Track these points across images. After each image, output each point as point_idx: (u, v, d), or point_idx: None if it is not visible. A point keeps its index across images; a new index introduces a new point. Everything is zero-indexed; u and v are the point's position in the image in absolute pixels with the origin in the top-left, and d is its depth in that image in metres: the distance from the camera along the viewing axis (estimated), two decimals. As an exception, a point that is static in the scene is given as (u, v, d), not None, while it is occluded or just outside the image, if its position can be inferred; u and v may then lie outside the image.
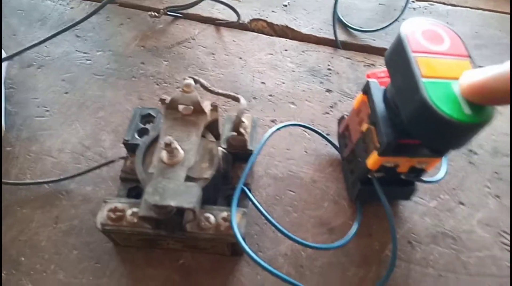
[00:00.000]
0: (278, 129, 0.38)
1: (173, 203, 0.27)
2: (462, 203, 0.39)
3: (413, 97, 0.24)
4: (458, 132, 0.24)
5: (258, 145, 0.36)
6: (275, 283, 0.33)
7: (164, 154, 0.30)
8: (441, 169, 0.36)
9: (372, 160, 0.30)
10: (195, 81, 0.33)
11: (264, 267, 0.29)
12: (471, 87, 0.22)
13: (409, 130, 0.26)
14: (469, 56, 0.26)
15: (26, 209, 0.37)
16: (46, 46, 0.50)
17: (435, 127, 0.24)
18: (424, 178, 0.34)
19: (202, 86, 0.34)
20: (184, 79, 0.33)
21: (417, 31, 0.26)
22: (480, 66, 0.25)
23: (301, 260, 0.35)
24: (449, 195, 0.40)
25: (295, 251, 0.35)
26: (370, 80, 0.31)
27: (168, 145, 0.28)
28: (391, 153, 0.29)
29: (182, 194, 0.27)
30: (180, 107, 0.32)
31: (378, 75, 0.31)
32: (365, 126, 0.32)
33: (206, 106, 0.33)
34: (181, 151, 0.30)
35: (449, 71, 0.25)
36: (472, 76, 0.23)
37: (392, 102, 0.28)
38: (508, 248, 0.37)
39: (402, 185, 0.34)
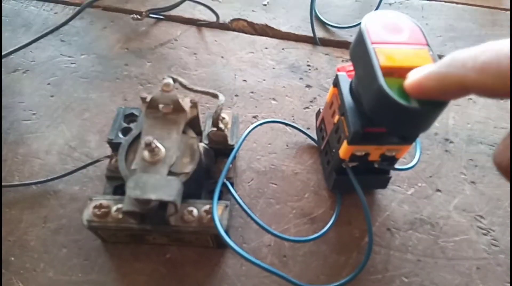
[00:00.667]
0: (257, 125, 0.39)
1: (153, 196, 0.28)
2: (439, 190, 0.41)
3: (372, 85, 0.25)
4: (414, 117, 0.25)
5: (238, 140, 0.37)
6: (259, 272, 0.35)
7: (145, 153, 0.31)
8: (415, 157, 0.37)
9: (343, 149, 0.32)
10: (174, 80, 0.34)
11: (244, 256, 0.30)
12: (410, 86, 0.24)
13: (371, 117, 0.27)
14: (428, 44, 0.28)
15: (14, 210, 0.38)
16: (31, 51, 0.50)
17: (392, 113, 0.25)
18: (398, 166, 0.35)
19: (181, 84, 0.35)
20: (163, 78, 0.34)
21: (377, 23, 0.28)
22: (439, 54, 0.26)
23: (284, 250, 0.36)
24: (426, 182, 0.41)
25: (278, 242, 0.37)
26: (339, 73, 0.33)
27: (148, 145, 0.29)
28: (360, 141, 0.30)
29: (162, 188, 0.28)
30: (160, 106, 0.33)
31: (347, 68, 0.33)
32: (336, 118, 0.33)
33: (186, 104, 0.34)
34: (162, 149, 0.31)
35: (407, 59, 0.26)
36: (412, 75, 0.24)
37: (356, 92, 0.29)
38: (484, 231, 0.38)
39: (376, 174, 0.36)
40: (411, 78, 0.24)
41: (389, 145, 0.30)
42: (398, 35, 0.27)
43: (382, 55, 0.26)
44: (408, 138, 0.30)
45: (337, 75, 0.32)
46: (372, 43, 0.26)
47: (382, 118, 0.26)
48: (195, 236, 0.33)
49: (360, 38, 0.27)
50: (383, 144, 0.30)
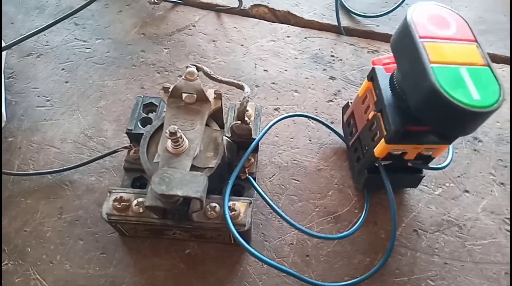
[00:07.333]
0: (281, 119, 0.38)
1: (180, 192, 0.26)
2: (467, 191, 0.39)
3: (422, 83, 0.23)
4: (468, 118, 0.23)
5: (259, 134, 0.36)
6: (280, 271, 0.33)
7: (169, 144, 0.29)
8: (447, 156, 0.35)
9: (380, 148, 0.30)
10: (198, 68, 0.33)
11: (262, 260, 0.29)
12: None
13: (418, 116, 0.25)
14: (476, 41, 0.26)
15: (30, 200, 0.36)
16: (45, 35, 0.49)
17: (445, 113, 0.23)
18: (430, 165, 0.33)
19: (205, 73, 0.33)
20: (187, 67, 0.32)
21: (423, 16, 0.26)
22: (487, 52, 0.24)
23: (306, 249, 0.35)
24: (454, 183, 0.40)
25: (300, 240, 0.35)
26: (375, 66, 0.31)
27: (173, 134, 0.28)
28: (399, 140, 0.28)
29: (188, 184, 0.27)
30: (183, 95, 0.32)
31: (383, 61, 0.31)
32: (371, 114, 0.31)
33: (210, 94, 0.33)
34: (186, 140, 0.30)
35: (456, 56, 0.24)
36: None
37: (399, 88, 0.27)
38: (513, 234, 0.37)
39: (409, 172, 0.34)
40: None
41: (428, 144, 0.29)
42: (446, 29, 0.25)
43: (432, 51, 0.24)
44: (449, 137, 0.28)
45: (373, 68, 0.31)
46: (420, 37, 0.24)
47: (431, 117, 0.24)
48: (217, 232, 0.32)
49: (406, 31, 0.25)
50: (422, 143, 0.29)
